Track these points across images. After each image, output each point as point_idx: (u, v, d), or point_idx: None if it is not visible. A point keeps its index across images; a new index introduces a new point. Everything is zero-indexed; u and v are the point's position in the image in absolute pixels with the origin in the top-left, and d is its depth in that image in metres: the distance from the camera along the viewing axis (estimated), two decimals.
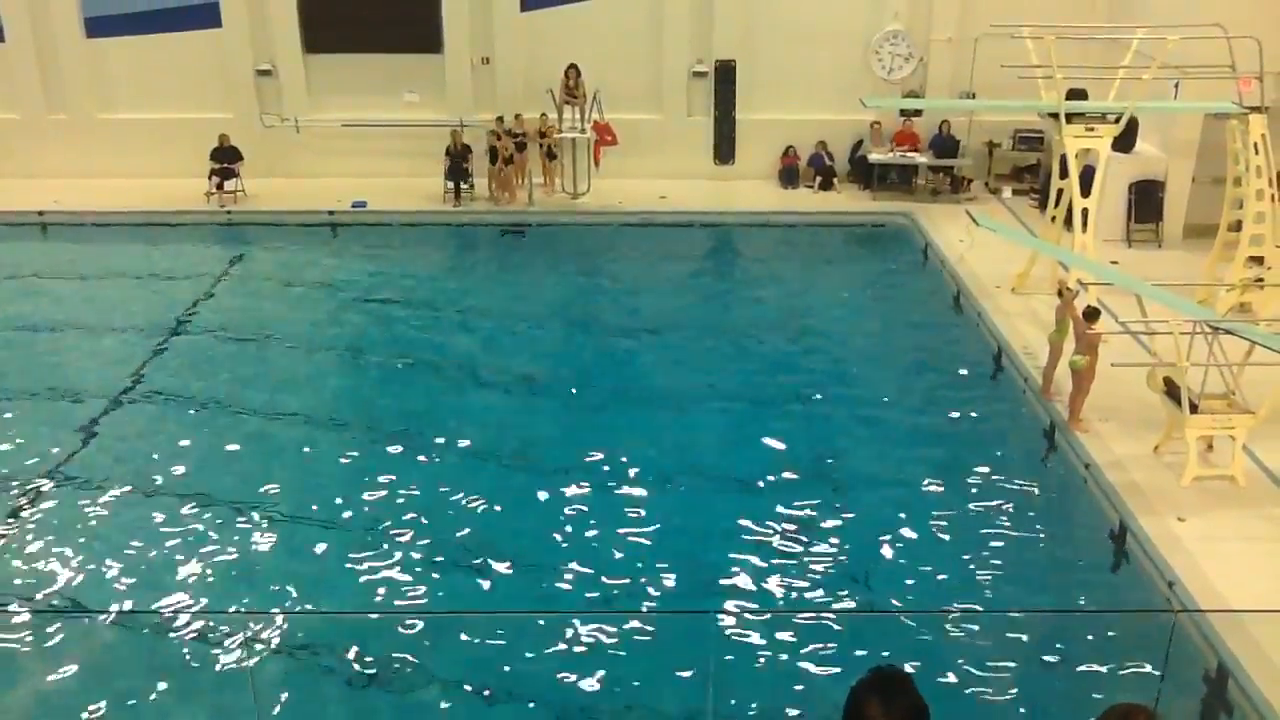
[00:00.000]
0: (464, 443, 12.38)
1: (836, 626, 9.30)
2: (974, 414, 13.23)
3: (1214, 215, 15.73)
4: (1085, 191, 14.78)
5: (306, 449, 12.40)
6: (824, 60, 20.60)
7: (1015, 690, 8.70)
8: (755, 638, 9.07)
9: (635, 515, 10.96)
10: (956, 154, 20.40)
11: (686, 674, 8.52)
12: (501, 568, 10.18)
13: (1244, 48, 14.32)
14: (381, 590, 9.84)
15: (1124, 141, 16.16)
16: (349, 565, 10.16)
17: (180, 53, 20.67)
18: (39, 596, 9.73)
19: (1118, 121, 14.82)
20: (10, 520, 10.82)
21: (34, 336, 15.27)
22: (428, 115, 20.75)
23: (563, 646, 9.01)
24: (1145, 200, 17.94)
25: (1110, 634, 9.13)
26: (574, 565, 10.16)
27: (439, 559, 10.29)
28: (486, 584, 10.00)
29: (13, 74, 20.66)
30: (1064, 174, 15.07)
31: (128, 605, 9.63)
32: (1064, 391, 12.42)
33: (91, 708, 8.41)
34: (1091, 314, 11.84)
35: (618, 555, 10.32)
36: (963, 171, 20.48)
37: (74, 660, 8.90)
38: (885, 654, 8.66)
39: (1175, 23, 14.49)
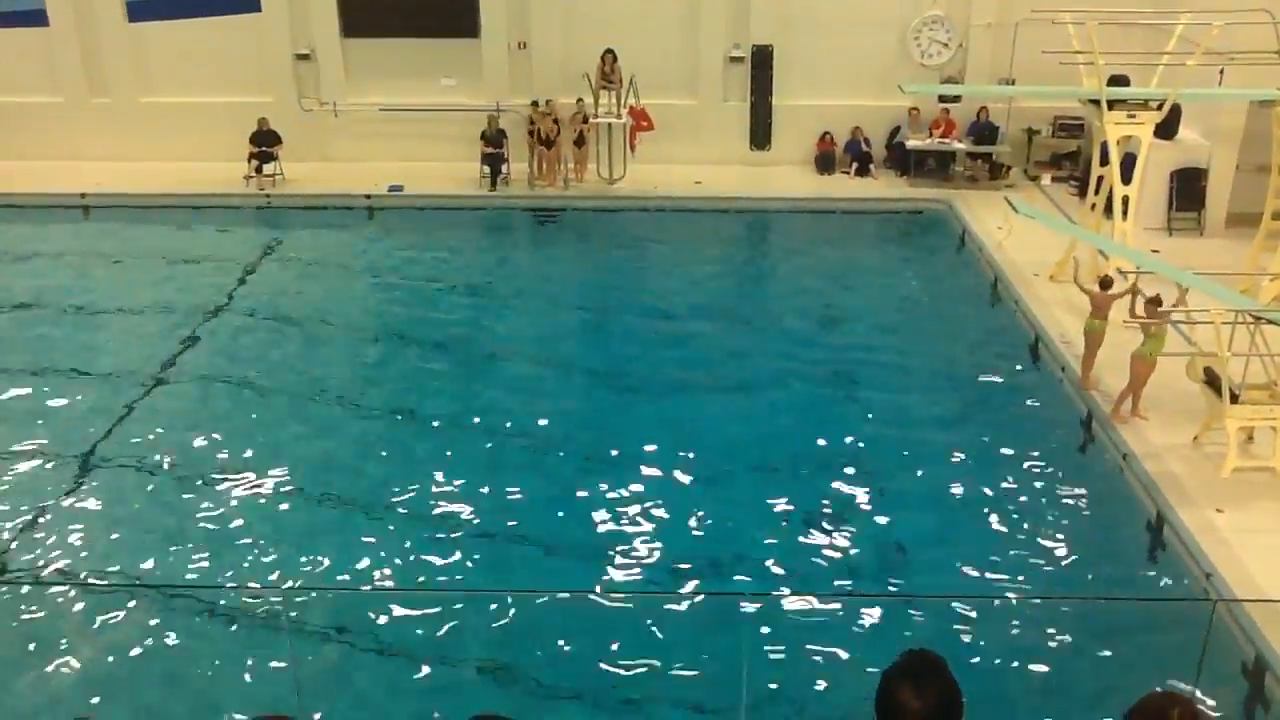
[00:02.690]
0: (499, 425, 12.44)
1: (870, 611, 9.30)
2: (1011, 402, 13.16)
3: (1258, 203, 15.47)
4: (1126, 179, 14.61)
5: (343, 430, 12.52)
6: (862, 45, 20.44)
7: (1050, 678, 8.66)
8: (788, 621, 9.08)
9: (667, 498, 10.98)
10: (995, 141, 20.20)
11: (720, 657, 8.54)
12: (537, 549, 10.25)
13: None
14: (416, 568, 9.93)
15: (1166, 128, 15.95)
16: (385, 543, 10.27)
17: (220, 37, 20.83)
18: (79, 573, 9.90)
19: (1160, 108, 14.63)
20: (53, 498, 11.00)
21: (75, 317, 15.47)
22: (464, 100, 20.79)
23: (596, 627, 9.06)
24: (1187, 188, 17.70)
25: (1147, 624, 9.07)
26: (608, 548, 10.21)
27: (471, 538, 10.36)
28: (522, 564, 10.09)
29: (55, 58, 20.91)
30: (1104, 161, 14.90)
31: (166, 580, 9.77)
32: (1103, 383, 12.31)
33: (132, 680, 8.55)
34: (1155, 301, 11.65)
35: (650, 538, 10.36)
36: (1001, 158, 20.27)
37: (115, 634, 9.05)
38: (918, 639, 8.64)
39: (1221, 8, 14.25)
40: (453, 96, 20.93)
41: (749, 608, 9.01)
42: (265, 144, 20.04)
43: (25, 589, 9.64)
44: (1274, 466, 10.86)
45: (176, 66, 21.02)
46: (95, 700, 8.40)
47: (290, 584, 9.74)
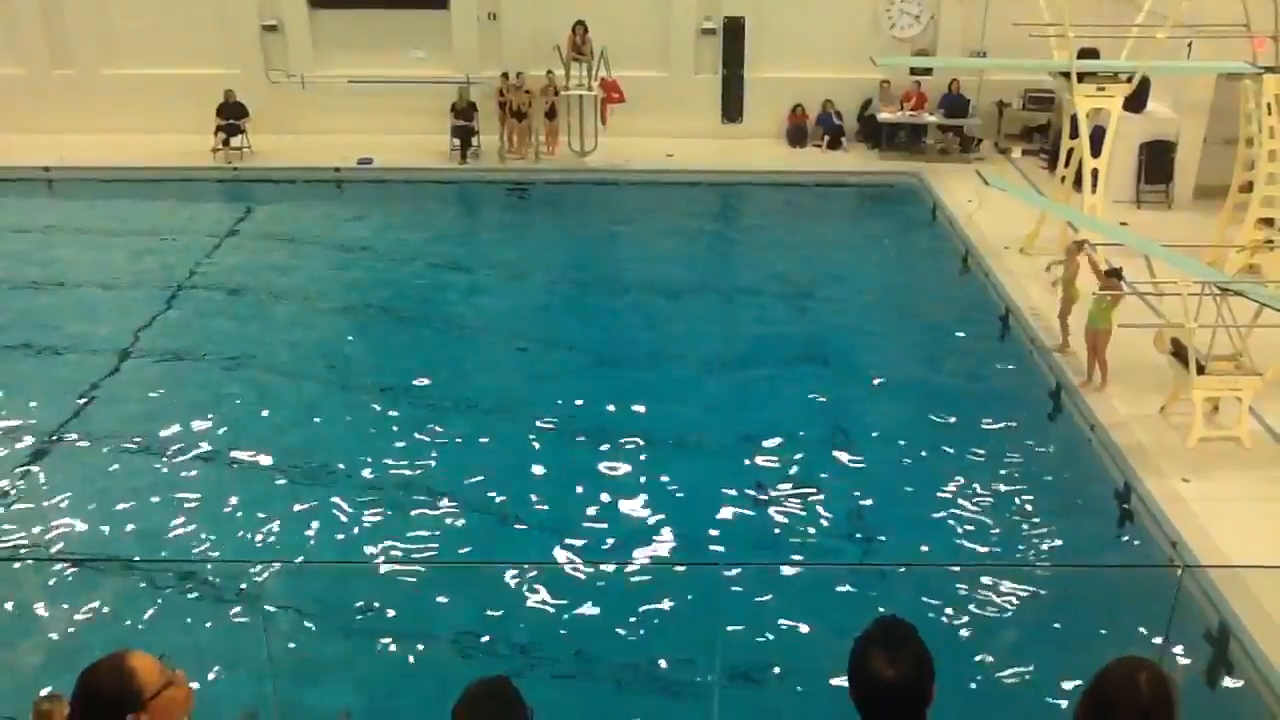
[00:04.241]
0: (468, 399, 12.42)
1: (840, 580, 9.36)
2: (980, 374, 13.25)
3: (1225, 176, 15.60)
4: (1095, 152, 14.68)
5: (310, 404, 12.44)
6: (833, 17, 20.42)
7: (1019, 645, 8.76)
8: (760, 591, 9.13)
9: (641, 472, 10.99)
10: (966, 113, 20.26)
11: (691, 628, 8.58)
12: (507, 523, 10.24)
13: (1259, 7, 14.14)
14: (384, 542, 9.90)
15: (1135, 101, 16.02)
16: (353, 517, 10.23)
17: (186, 8, 20.54)
18: (47, 548, 9.81)
19: (1130, 81, 14.69)
20: (18, 473, 10.89)
21: (40, 292, 15.28)
22: (434, 72, 20.62)
23: (566, 600, 9.08)
24: (1156, 161, 17.81)
25: (1114, 591, 9.17)
26: (578, 521, 10.20)
27: (440, 512, 10.35)
28: (491, 538, 10.08)
29: (17, 29, 20.58)
30: (1074, 134, 14.97)
31: (134, 556, 9.70)
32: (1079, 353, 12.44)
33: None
34: (1114, 273, 11.77)
35: (622, 511, 10.37)
36: (972, 131, 20.33)
37: (84, 610, 8.97)
38: (888, 607, 8.71)
39: None
40: (422, 69, 20.75)
41: (719, 577, 9.04)
42: (232, 116, 19.82)
43: None
44: (1238, 436, 10.99)
45: (141, 38, 20.69)
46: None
47: (263, 560, 9.70)
